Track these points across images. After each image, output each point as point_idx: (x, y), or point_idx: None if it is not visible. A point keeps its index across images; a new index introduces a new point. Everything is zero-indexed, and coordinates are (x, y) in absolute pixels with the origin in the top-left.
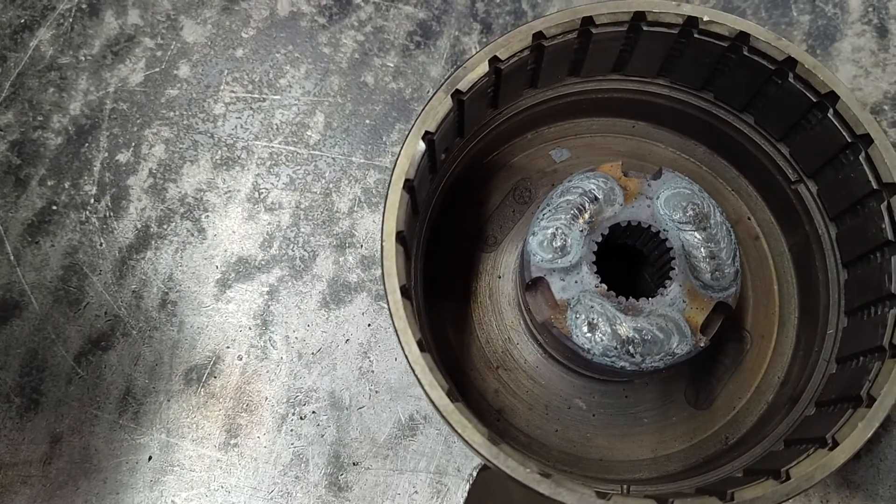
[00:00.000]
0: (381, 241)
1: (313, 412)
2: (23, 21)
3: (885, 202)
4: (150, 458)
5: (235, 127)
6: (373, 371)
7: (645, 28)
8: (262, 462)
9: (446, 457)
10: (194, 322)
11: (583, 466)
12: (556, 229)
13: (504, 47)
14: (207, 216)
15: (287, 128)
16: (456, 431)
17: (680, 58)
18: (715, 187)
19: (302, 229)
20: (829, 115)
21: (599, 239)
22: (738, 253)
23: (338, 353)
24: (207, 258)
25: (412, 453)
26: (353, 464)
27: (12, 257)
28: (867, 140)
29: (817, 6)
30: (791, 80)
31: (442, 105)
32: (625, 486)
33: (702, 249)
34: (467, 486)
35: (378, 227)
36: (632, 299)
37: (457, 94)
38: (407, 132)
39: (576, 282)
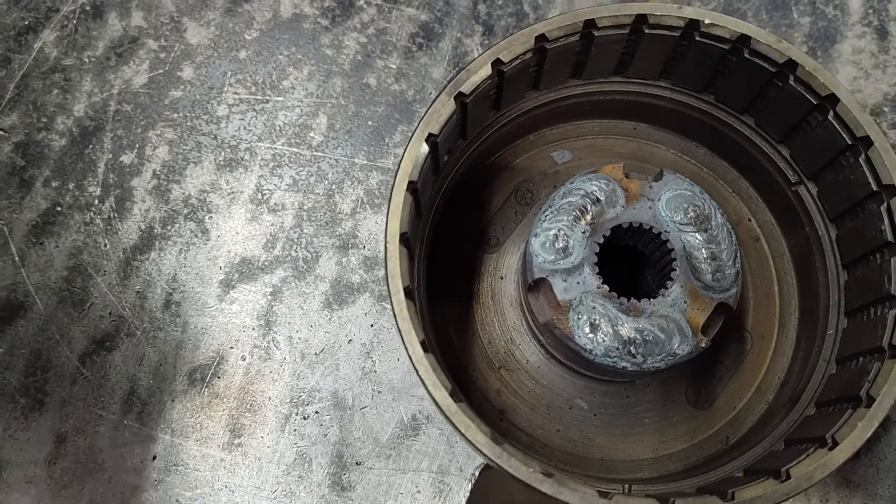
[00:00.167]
0: (385, 243)
1: (316, 412)
2: (27, 23)
3: (885, 204)
4: (154, 457)
5: (239, 128)
6: (375, 371)
7: (647, 31)
8: (265, 462)
9: (449, 456)
10: (198, 322)
11: (584, 466)
12: (559, 230)
13: (507, 50)
14: (211, 217)
15: (290, 129)
16: (459, 432)
17: (681, 60)
18: (716, 189)
19: (305, 230)
20: (829, 117)
21: (601, 240)
22: (738, 254)
23: (341, 354)
24: (211, 259)
25: (415, 453)
26: (356, 463)
27: (17, 258)
28: (867, 142)
29: (818, 8)
30: (792, 82)
31: (445, 107)
32: (626, 486)
33: (703, 251)
34: (469, 486)
35: (380, 228)
36: (633, 300)
37: (460, 97)
38: (410, 134)
39: (578, 283)
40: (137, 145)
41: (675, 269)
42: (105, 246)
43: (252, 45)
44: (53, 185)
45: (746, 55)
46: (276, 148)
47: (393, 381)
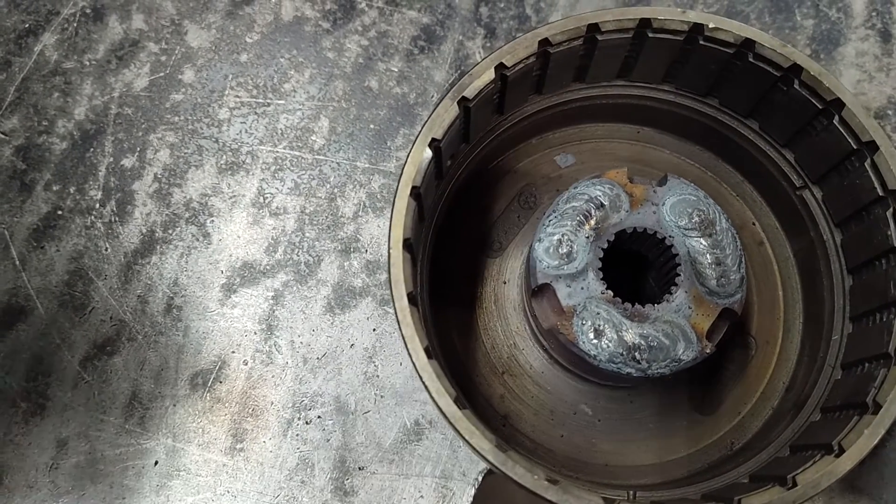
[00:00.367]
0: (389, 249)
1: (319, 417)
2: (27, 26)
3: (891, 209)
4: (156, 462)
5: (240, 132)
6: (378, 376)
7: (650, 35)
8: (267, 467)
9: (452, 461)
10: (200, 327)
11: (588, 472)
12: (563, 236)
13: (510, 54)
14: (212, 221)
15: (291, 132)
16: (464, 438)
17: (685, 64)
18: (719, 193)
19: (307, 234)
20: (834, 121)
21: (605, 245)
22: (743, 259)
23: (343, 358)
24: (212, 263)
25: (418, 458)
26: (359, 468)
27: (18, 262)
28: (873, 147)
29: (821, 11)
30: (796, 86)
31: (448, 112)
32: (631, 492)
33: (707, 256)
34: (473, 491)
35: (383, 232)
36: (637, 306)
37: (463, 101)
38: (414, 139)
39: (582, 288)
40: (138, 149)
41: (680, 275)
42: (106, 250)
43: (253, 48)
44: (54, 188)
45: (751, 59)
46: (277, 151)
47: (396, 385)
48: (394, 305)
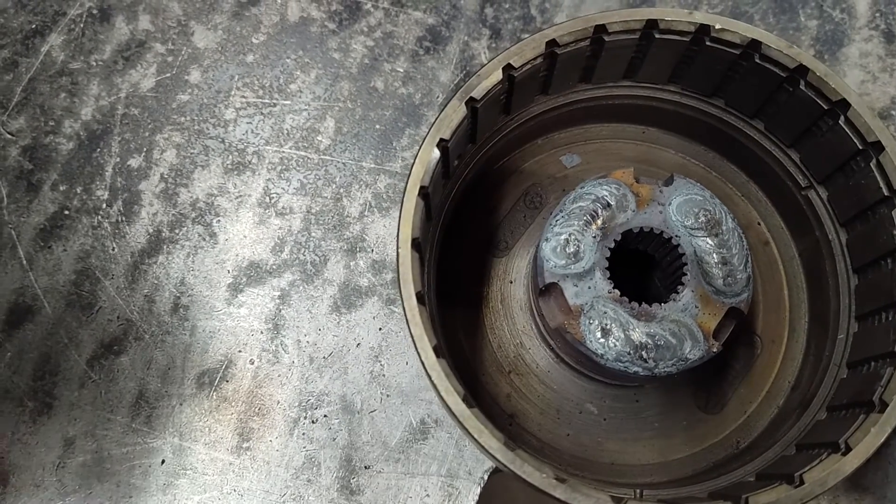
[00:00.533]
0: (397, 248)
1: (325, 416)
2: (34, 26)
3: None
4: (163, 461)
5: (246, 132)
6: (384, 375)
7: (657, 36)
8: (274, 465)
9: (457, 460)
10: (206, 326)
11: (594, 470)
12: (570, 235)
13: (517, 55)
14: (219, 221)
15: (297, 133)
16: (472, 437)
17: (691, 65)
18: (725, 193)
19: (313, 234)
20: (840, 122)
21: (612, 245)
22: (749, 258)
23: (349, 357)
24: (219, 262)
25: (423, 457)
26: (365, 467)
27: (25, 262)
28: (878, 147)
29: (825, 11)
30: (802, 87)
31: (456, 112)
32: (637, 491)
33: (714, 255)
34: (478, 490)
35: (388, 232)
36: (644, 305)
37: (471, 102)
38: (422, 139)
39: (589, 287)
40: (145, 149)
41: (686, 274)
42: (113, 250)
43: (259, 49)
44: (61, 188)
45: (757, 60)
46: (283, 151)
47: (402, 384)
48: (402, 304)
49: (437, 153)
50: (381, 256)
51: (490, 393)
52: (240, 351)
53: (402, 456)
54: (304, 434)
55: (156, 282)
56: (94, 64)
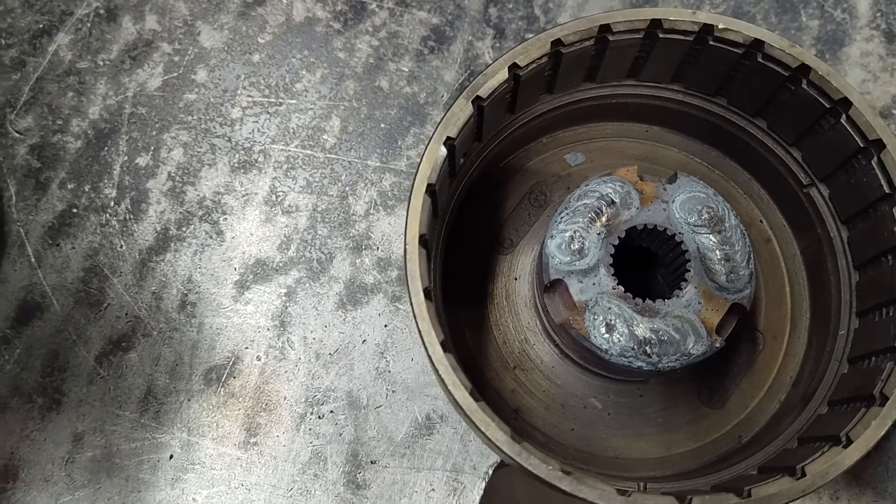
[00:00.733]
0: (405, 245)
1: (331, 411)
2: (41, 26)
3: None
4: (171, 456)
5: (252, 131)
6: (389, 371)
7: (661, 35)
8: (281, 460)
9: (462, 455)
10: (213, 323)
11: (598, 464)
12: (574, 232)
13: (523, 54)
14: (225, 219)
15: (303, 132)
16: (479, 430)
17: (694, 64)
18: (727, 191)
19: (319, 232)
20: (841, 120)
21: (616, 242)
22: (752, 255)
23: (355, 354)
24: (226, 260)
25: (429, 452)
26: (371, 462)
27: (33, 259)
28: (879, 145)
29: (826, 11)
30: (805, 86)
31: (463, 111)
32: (641, 484)
33: (717, 252)
34: (483, 484)
35: (394, 230)
36: (648, 301)
37: (477, 101)
38: (429, 137)
39: (593, 284)
40: (152, 148)
41: (690, 271)
42: (121, 247)
43: (265, 49)
44: (69, 186)
45: (759, 59)
46: (289, 150)
47: (407, 380)
48: (410, 300)
49: (443, 151)
50: (386, 254)
51: (495, 388)
52: (247, 347)
53: (408, 451)
54: (310, 429)
55: (163, 279)
56: (102, 63)
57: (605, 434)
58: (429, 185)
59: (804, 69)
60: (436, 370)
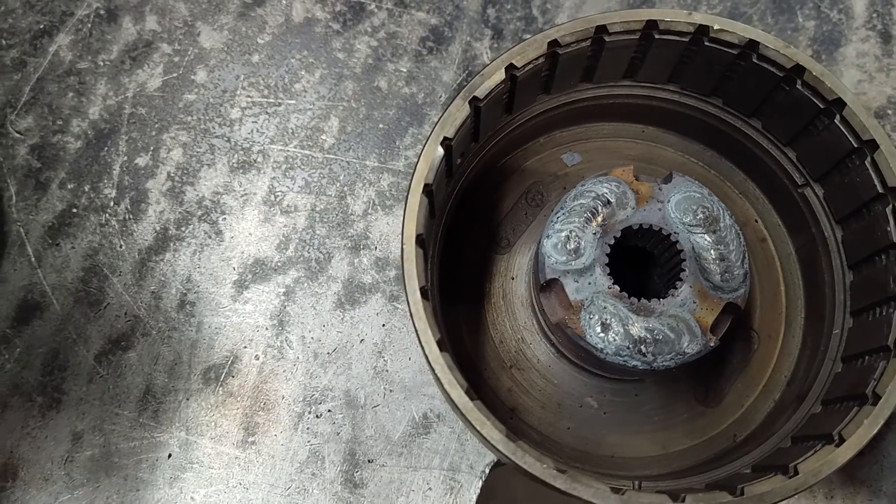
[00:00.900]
0: (402, 244)
1: (329, 411)
2: (42, 27)
3: (891, 206)
4: (169, 455)
5: (251, 131)
6: (387, 370)
7: (657, 36)
8: (279, 459)
9: (459, 454)
10: (212, 322)
11: (594, 463)
12: (570, 232)
13: (520, 55)
14: (224, 219)
15: (302, 132)
16: (474, 428)
17: (690, 64)
18: (723, 190)
19: (317, 231)
20: (835, 120)
21: (612, 241)
22: (746, 255)
23: (353, 353)
24: (225, 260)
25: (426, 451)
26: (368, 461)
27: (33, 259)
28: (873, 145)
29: (822, 12)
30: (799, 86)
31: (460, 112)
32: (636, 482)
33: (712, 252)
34: (480, 483)
35: (392, 229)
36: (643, 300)
37: (474, 101)
38: (426, 138)
39: (589, 283)
40: (152, 148)
41: (685, 270)
42: (120, 247)
43: (264, 49)
44: (69, 186)
45: (755, 60)
46: (288, 150)
47: (405, 380)
48: (407, 300)
49: (440, 151)
50: (384, 254)
51: (492, 387)
52: (245, 347)
53: (405, 450)
54: (308, 428)
55: (163, 279)
56: (102, 64)
57: (602, 433)
58: (426, 186)
59: (798, 70)
60: (432, 369)
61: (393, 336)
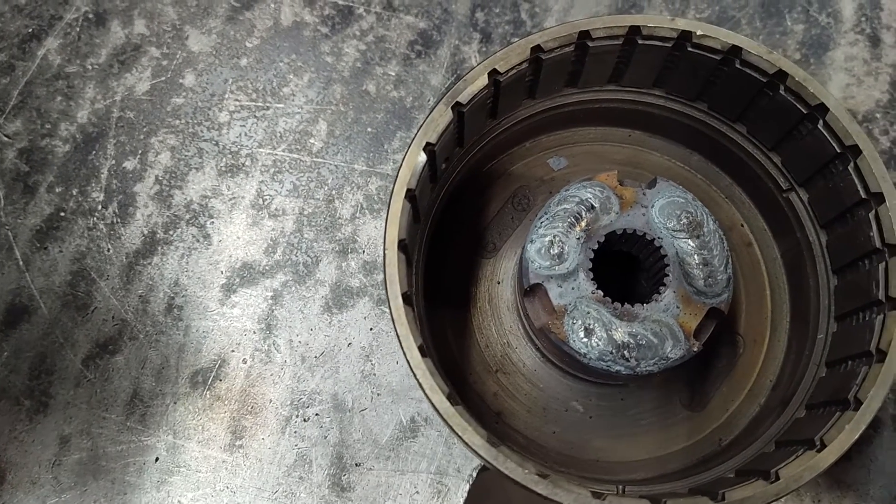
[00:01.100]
0: (384, 250)
1: (316, 414)
2: (30, 30)
3: (873, 211)
4: (157, 459)
5: (240, 135)
6: (374, 374)
7: (640, 41)
8: (266, 463)
9: (447, 458)
10: (200, 326)
11: (580, 467)
12: (554, 237)
13: (503, 60)
14: (212, 222)
15: (290, 135)
16: (456, 434)
17: (674, 69)
18: (709, 195)
19: (305, 235)
20: (818, 126)
21: (596, 246)
22: (730, 260)
23: (340, 357)
24: (213, 263)
25: (413, 454)
26: (356, 465)
27: (21, 263)
28: (856, 151)
29: (811, 16)
30: (782, 92)
31: (443, 117)
32: (620, 487)
33: (695, 257)
34: (467, 487)
35: (379, 233)
36: (627, 305)
37: (457, 107)
38: (409, 144)
39: (573, 288)
40: (140, 151)
41: (668, 275)
42: (108, 251)
43: (253, 53)
44: (57, 190)
45: (738, 65)
46: (276, 154)
47: (392, 383)
48: (389, 305)
49: (423, 157)
50: (372, 258)
51: (477, 392)
52: (233, 350)
53: (393, 454)
54: (295, 432)
55: (150, 282)
56: (90, 67)
57: (587, 437)
58: (408, 191)
59: (781, 75)
60: (414, 374)
61: (380, 340)
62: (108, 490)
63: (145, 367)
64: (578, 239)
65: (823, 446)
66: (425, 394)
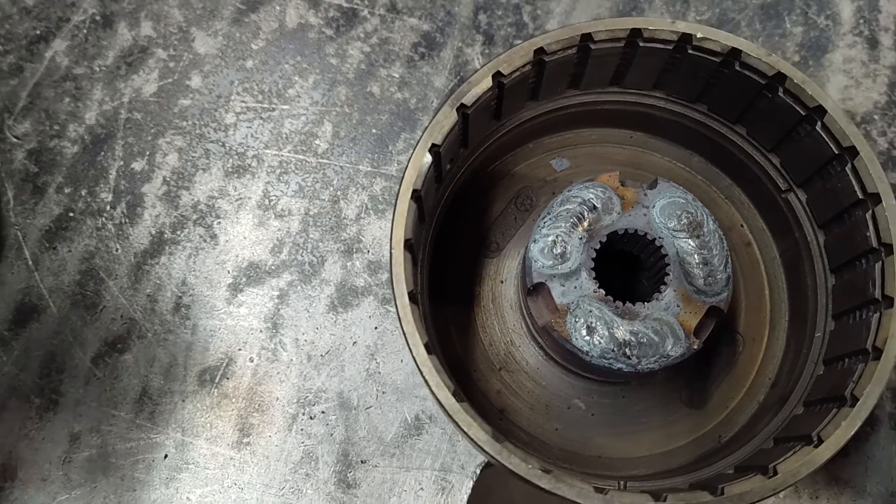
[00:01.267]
0: (391, 249)
1: (322, 412)
2: (38, 32)
3: (870, 211)
4: (165, 456)
5: (246, 136)
6: (380, 372)
7: (641, 44)
8: (273, 460)
9: (451, 455)
10: (207, 325)
11: (582, 463)
12: (557, 237)
13: (507, 63)
14: (219, 222)
15: (296, 137)
16: (461, 430)
17: (675, 72)
18: (709, 195)
19: (311, 235)
20: (817, 127)
21: (598, 246)
22: (729, 259)
23: (346, 355)
24: (219, 263)
25: (418, 452)
26: (361, 462)
27: (31, 262)
28: (853, 152)
29: (810, 18)
30: (781, 94)
31: (448, 119)
32: (622, 482)
33: (695, 256)
34: (471, 483)
35: (384, 234)
36: (628, 304)
37: (462, 108)
38: (414, 145)
39: (575, 287)
40: (148, 152)
41: (669, 274)
42: (116, 251)
43: (258, 55)
44: (66, 191)
45: (737, 68)
46: (282, 155)
47: (397, 381)
48: (395, 303)
49: (429, 158)
50: (376, 257)
51: (481, 389)
52: (240, 349)
53: (397, 451)
54: (302, 430)
55: (158, 282)
56: (98, 69)
57: (589, 434)
58: (414, 191)
59: (780, 77)
60: (420, 372)
61: (385, 339)
62: (117, 486)
63: (154, 365)
64: (581, 239)
65: (820, 442)
66: (431, 391)
